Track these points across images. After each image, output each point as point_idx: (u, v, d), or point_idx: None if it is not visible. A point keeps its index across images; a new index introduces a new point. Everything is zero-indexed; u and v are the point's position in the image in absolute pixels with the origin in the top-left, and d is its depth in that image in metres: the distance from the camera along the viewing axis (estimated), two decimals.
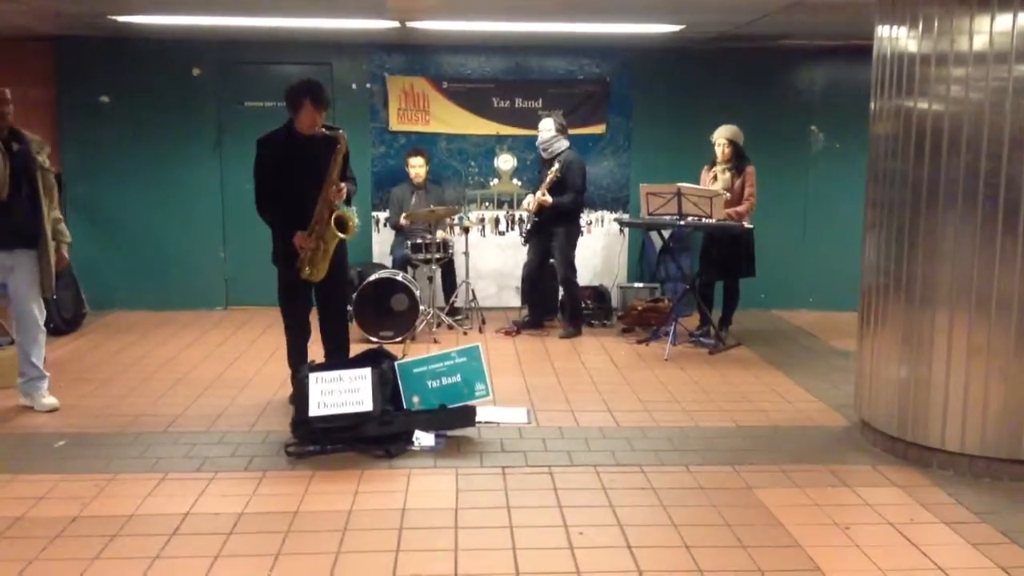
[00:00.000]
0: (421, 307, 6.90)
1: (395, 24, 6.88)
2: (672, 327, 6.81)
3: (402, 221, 7.44)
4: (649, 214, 6.76)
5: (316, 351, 5.30)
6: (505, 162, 8.27)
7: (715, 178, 6.86)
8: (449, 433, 4.69)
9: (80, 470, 4.23)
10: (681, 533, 3.60)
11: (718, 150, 6.83)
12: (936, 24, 4.14)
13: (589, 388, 5.75)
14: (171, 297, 8.11)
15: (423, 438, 4.56)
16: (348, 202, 5.11)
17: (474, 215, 8.24)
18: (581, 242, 7.47)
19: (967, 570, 3.35)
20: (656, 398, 5.52)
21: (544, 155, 7.19)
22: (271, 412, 5.15)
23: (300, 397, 4.59)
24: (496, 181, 8.30)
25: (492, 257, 8.30)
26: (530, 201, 7.21)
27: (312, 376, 4.57)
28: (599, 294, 7.89)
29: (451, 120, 8.12)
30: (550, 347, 6.89)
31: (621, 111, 8.22)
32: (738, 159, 6.80)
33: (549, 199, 6.96)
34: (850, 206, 6.89)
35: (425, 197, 7.61)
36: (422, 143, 7.98)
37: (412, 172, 7.64)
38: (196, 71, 7.96)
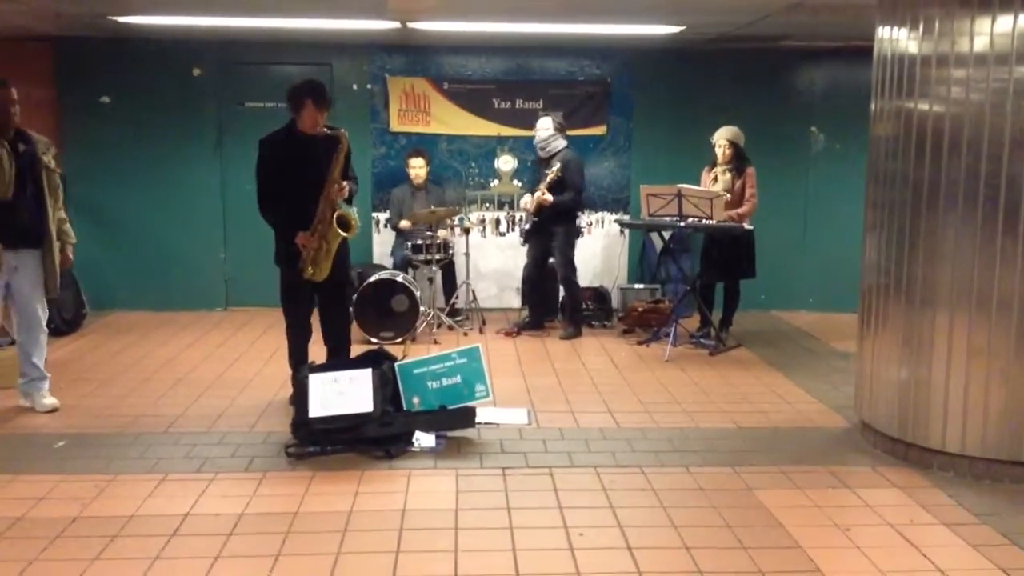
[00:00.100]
0: (421, 308, 6.90)
1: (396, 25, 6.88)
2: (672, 328, 6.81)
3: (403, 224, 7.44)
4: (650, 215, 6.76)
5: (317, 351, 5.31)
6: (506, 163, 8.27)
7: (715, 179, 6.86)
8: (449, 434, 4.69)
9: (80, 471, 4.24)
10: (681, 534, 3.60)
11: (719, 151, 6.83)
12: (937, 25, 4.14)
13: (589, 389, 5.75)
14: (171, 298, 8.11)
15: (423, 439, 4.56)
16: (349, 201, 5.11)
17: (475, 216, 8.23)
18: (581, 243, 7.47)
19: (967, 571, 3.35)
20: (656, 399, 5.52)
21: (542, 154, 7.18)
22: (271, 413, 5.15)
23: (300, 398, 4.60)
24: (497, 182, 8.30)
25: (492, 258, 8.30)
26: (528, 200, 7.20)
27: (312, 377, 4.58)
28: (600, 295, 7.89)
29: (452, 121, 8.12)
30: (550, 348, 6.89)
31: (622, 112, 8.22)
32: (738, 160, 6.80)
33: (550, 198, 6.94)
34: (850, 207, 6.88)
35: (426, 198, 7.60)
36: (423, 144, 7.98)
37: (412, 173, 7.63)
38: (196, 71, 7.96)
